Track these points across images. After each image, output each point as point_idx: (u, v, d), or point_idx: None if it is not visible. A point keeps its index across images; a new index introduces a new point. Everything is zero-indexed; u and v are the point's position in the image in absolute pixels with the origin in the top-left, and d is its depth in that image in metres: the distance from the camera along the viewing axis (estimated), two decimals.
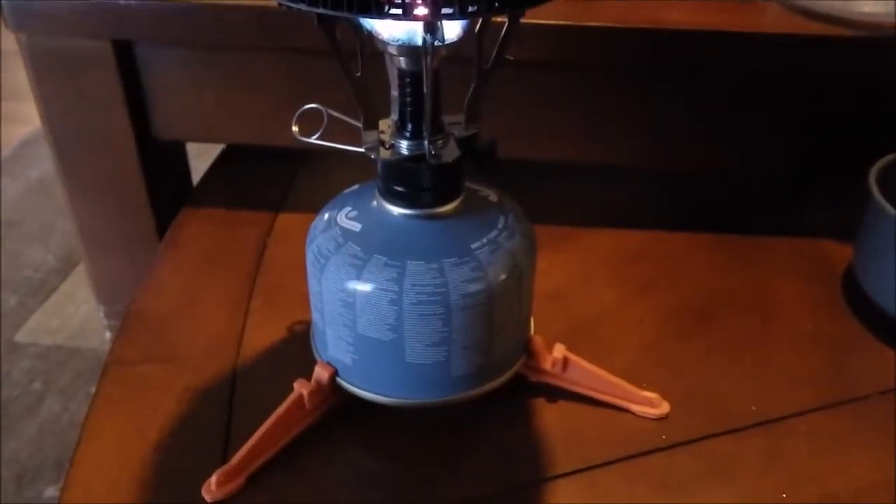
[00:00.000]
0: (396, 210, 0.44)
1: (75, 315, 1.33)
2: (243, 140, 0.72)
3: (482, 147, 0.45)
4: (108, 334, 0.78)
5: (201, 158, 0.86)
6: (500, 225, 0.45)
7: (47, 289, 1.39)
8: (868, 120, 0.67)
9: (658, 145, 0.69)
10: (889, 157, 0.61)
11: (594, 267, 0.66)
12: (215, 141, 0.78)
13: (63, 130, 0.68)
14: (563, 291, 0.62)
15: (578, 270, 0.65)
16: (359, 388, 0.46)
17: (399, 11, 0.33)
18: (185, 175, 0.80)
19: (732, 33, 0.61)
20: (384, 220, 0.44)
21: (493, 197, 0.47)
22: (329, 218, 0.46)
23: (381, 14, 0.33)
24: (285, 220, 0.70)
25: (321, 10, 0.33)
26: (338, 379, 0.47)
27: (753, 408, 0.52)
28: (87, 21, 0.62)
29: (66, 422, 1.12)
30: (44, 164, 1.74)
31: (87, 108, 0.66)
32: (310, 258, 0.46)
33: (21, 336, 1.28)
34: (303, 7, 0.34)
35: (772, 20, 0.65)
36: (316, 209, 0.49)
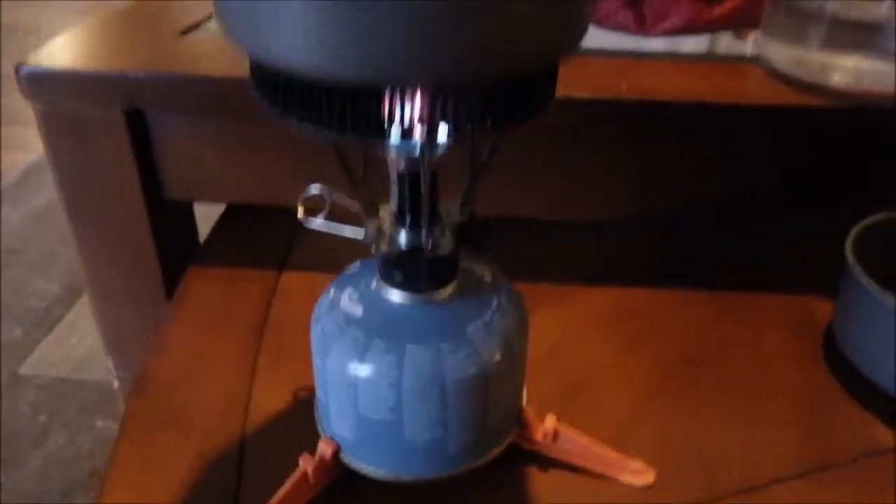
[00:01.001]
0: (395, 294, 0.47)
1: (79, 346, 1.35)
2: (248, 200, 0.74)
3: (476, 229, 0.48)
4: (116, 383, 0.81)
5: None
6: (493, 305, 0.48)
7: (51, 319, 1.40)
8: (853, 174, 0.70)
9: (649, 194, 0.72)
10: (865, 222, 0.63)
11: (584, 325, 0.68)
12: (222, 201, 0.80)
13: (75, 192, 0.70)
14: (553, 350, 0.64)
15: (568, 329, 0.67)
16: (360, 462, 0.49)
17: (398, 134, 0.36)
18: (192, 227, 0.83)
19: (718, 104, 0.64)
20: (384, 303, 0.47)
21: (487, 277, 0.50)
22: (333, 299, 0.48)
23: (381, 137, 0.36)
24: (289, 277, 0.72)
25: (326, 135, 0.36)
26: (340, 454, 0.49)
27: (739, 473, 0.54)
28: (98, 93, 0.65)
29: (71, 455, 1.14)
30: (46, 192, 1.75)
31: (99, 172, 0.69)
32: (314, 338, 0.48)
33: (25, 368, 1.29)
34: (309, 127, 0.36)
35: (754, 86, 0.68)
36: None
